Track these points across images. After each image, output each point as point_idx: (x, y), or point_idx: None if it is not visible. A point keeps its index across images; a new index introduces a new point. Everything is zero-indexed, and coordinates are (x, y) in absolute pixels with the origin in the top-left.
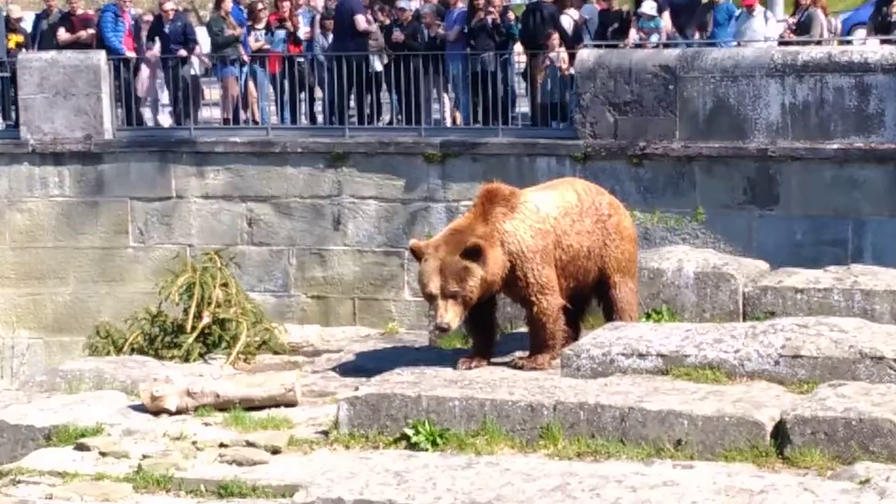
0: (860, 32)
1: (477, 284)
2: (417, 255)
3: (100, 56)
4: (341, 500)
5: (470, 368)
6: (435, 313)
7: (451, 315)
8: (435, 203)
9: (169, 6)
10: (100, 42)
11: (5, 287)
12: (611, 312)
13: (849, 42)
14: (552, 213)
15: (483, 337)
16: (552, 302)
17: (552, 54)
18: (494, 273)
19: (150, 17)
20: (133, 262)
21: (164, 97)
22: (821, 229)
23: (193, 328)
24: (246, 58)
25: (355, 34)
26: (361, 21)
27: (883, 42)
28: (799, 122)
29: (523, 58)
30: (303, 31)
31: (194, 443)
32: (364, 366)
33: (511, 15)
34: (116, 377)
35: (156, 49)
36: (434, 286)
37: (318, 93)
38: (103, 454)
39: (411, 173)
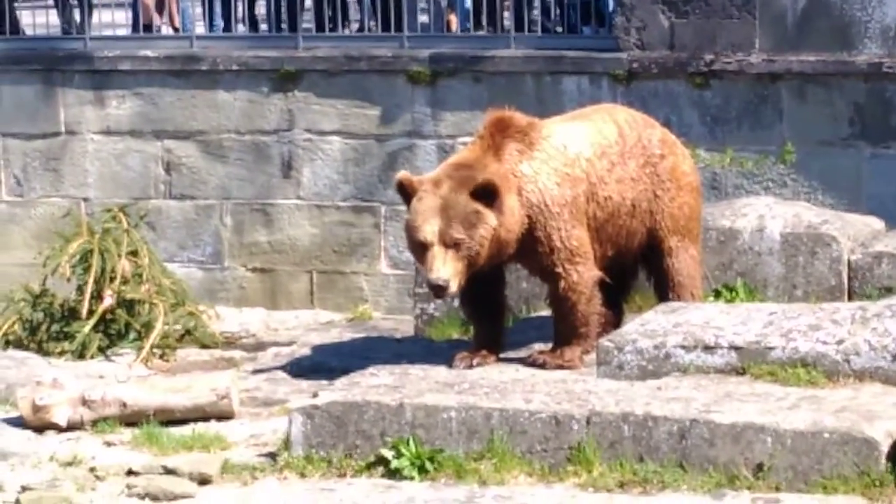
0: None
1: (488, 236)
2: (408, 192)
3: None
4: None
5: (471, 367)
6: (427, 266)
7: (449, 269)
8: (422, 140)
9: None
10: None
11: None
12: (665, 289)
13: None
14: (584, 154)
15: (488, 323)
16: (585, 274)
17: None
18: (510, 229)
19: None
20: (7, 223)
21: None
22: None
23: (91, 313)
24: None
25: None
26: None
27: None
28: None
29: None
30: None
31: (92, 469)
32: (325, 363)
33: None
34: None
35: None
36: (430, 230)
37: None
38: None
39: (390, 99)
